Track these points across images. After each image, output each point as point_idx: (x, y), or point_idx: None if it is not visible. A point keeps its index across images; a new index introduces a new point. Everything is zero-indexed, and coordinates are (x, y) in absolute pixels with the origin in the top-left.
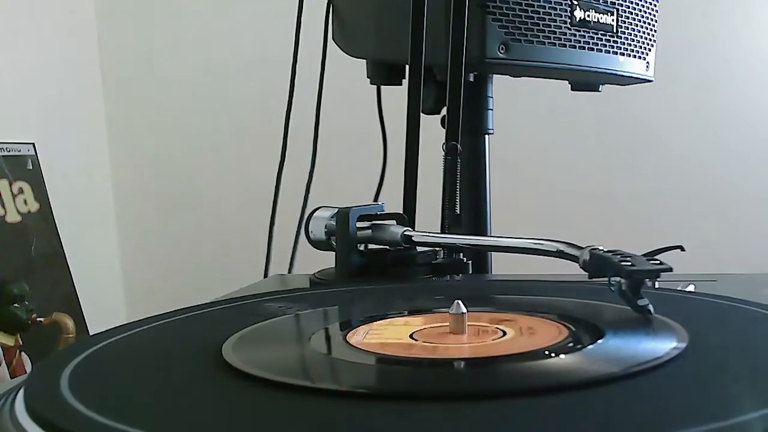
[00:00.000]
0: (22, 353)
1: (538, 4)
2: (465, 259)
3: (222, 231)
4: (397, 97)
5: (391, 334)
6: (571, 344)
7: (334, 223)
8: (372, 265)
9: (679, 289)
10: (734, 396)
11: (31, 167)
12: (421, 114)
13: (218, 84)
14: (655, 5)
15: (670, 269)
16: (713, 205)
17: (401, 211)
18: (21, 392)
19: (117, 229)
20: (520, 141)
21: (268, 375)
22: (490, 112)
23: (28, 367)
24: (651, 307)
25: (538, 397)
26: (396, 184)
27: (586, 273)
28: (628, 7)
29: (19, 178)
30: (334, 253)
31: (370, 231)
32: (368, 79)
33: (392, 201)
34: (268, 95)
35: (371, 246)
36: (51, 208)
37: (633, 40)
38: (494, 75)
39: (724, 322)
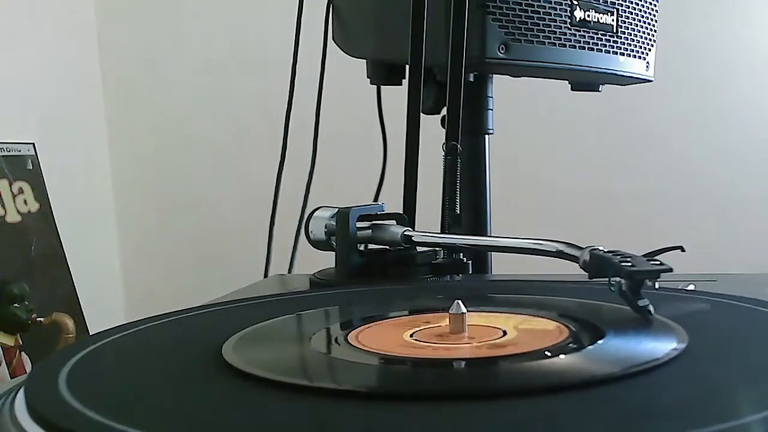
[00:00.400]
0: (22, 353)
1: (538, 4)
2: (465, 259)
3: (222, 231)
4: (397, 97)
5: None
6: (571, 344)
7: (334, 223)
8: (372, 265)
9: (679, 288)
10: (734, 396)
11: (31, 167)
12: (421, 114)
13: (218, 84)
14: (655, 5)
15: (670, 269)
16: (713, 205)
17: (401, 211)
18: (21, 392)
19: (117, 229)
20: (520, 141)
21: (269, 375)
22: (490, 112)
23: (28, 367)
24: (651, 308)
25: (538, 397)
26: (396, 184)
27: (586, 273)
28: (628, 7)
29: (19, 178)
30: (334, 253)
31: (370, 231)
32: (368, 79)
33: (392, 201)
34: (268, 95)
35: (371, 246)
36: (51, 208)
37: (633, 40)
38: (494, 75)
39: (724, 322)
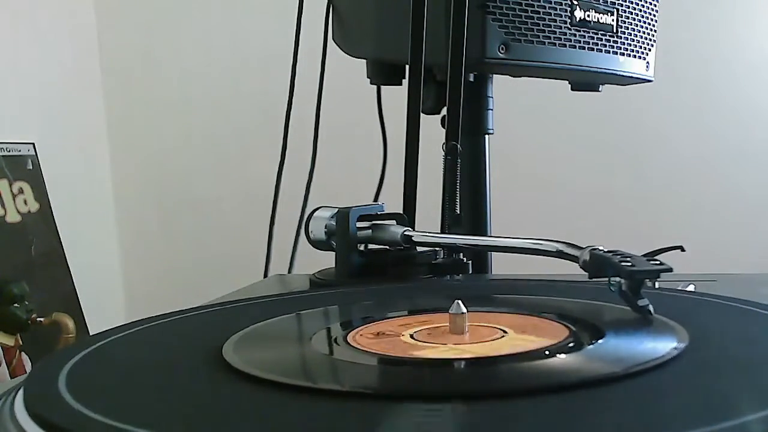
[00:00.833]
0: (22, 353)
1: (538, 4)
2: (465, 259)
3: (222, 231)
4: (397, 97)
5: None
6: (571, 344)
7: (334, 223)
8: (372, 265)
9: (679, 288)
10: (734, 396)
11: (31, 167)
12: (421, 114)
13: (218, 84)
14: (655, 5)
15: (670, 269)
16: (713, 205)
17: (401, 211)
18: (21, 392)
19: (117, 229)
20: (520, 141)
21: (269, 375)
22: (490, 112)
23: (28, 367)
24: (651, 308)
25: (538, 397)
26: (396, 184)
27: (586, 273)
28: (628, 7)
29: (19, 178)
30: (334, 253)
31: (370, 231)
32: (368, 79)
33: (392, 201)
34: (268, 95)
35: (371, 246)
36: (51, 208)
37: (633, 40)
38: (494, 75)
39: (724, 322)
